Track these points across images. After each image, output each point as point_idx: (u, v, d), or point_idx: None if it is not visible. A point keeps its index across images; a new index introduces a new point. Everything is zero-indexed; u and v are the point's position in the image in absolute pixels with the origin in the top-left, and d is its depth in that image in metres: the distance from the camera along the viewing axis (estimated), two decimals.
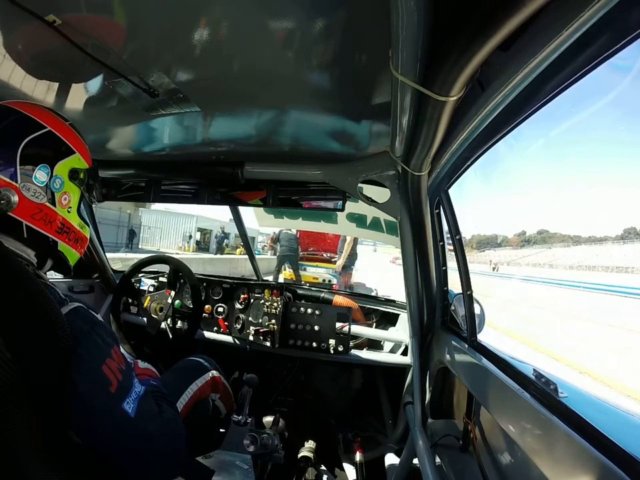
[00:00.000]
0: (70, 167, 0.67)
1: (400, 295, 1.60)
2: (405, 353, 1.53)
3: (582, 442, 0.50)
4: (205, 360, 1.14)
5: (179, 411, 0.75)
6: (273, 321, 1.52)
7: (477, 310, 1.10)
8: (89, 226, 0.78)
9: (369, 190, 1.22)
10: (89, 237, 0.78)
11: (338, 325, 1.50)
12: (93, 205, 1.75)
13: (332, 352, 1.48)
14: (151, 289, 1.76)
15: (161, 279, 1.79)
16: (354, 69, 0.73)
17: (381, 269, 20.44)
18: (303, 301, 1.66)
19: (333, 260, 8.29)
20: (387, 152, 0.98)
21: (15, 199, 0.59)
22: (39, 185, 0.62)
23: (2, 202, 0.58)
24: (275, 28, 0.62)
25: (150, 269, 1.82)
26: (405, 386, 1.48)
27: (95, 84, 0.89)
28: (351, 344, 1.53)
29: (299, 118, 0.99)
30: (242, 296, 1.63)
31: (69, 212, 0.68)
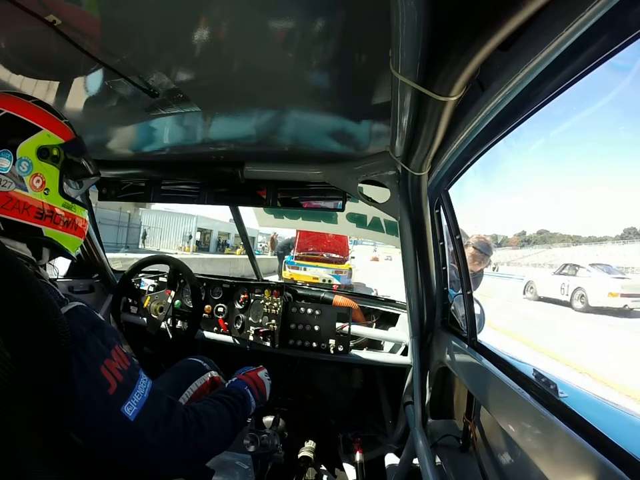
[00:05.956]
0: (37, 146, 0.62)
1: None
2: (405, 353, 1.53)
3: (582, 442, 0.50)
4: (204, 361, 1.13)
5: (196, 420, 0.66)
6: (273, 321, 1.52)
7: (477, 310, 1.10)
8: (84, 207, 0.72)
9: (369, 190, 1.22)
10: (85, 217, 0.73)
11: (338, 325, 1.50)
12: (93, 205, 1.75)
13: (332, 352, 1.48)
14: (151, 289, 1.76)
15: (160, 278, 1.79)
16: (354, 69, 0.73)
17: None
18: (303, 301, 1.66)
19: (333, 260, 8.31)
20: (387, 152, 0.98)
21: None
22: (2, 172, 0.58)
23: None
24: (274, 28, 0.62)
25: (150, 269, 1.82)
26: (405, 386, 1.48)
27: (94, 84, 0.89)
28: (351, 344, 1.53)
29: (299, 118, 0.99)
30: (242, 296, 1.63)
31: (45, 194, 0.63)
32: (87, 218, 0.75)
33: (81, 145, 0.71)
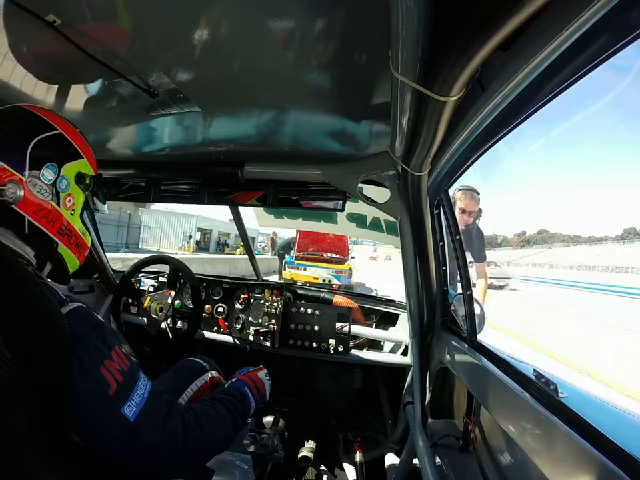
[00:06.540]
0: (77, 171, 0.69)
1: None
2: (405, 353, 1.53)
3: (582, 442, 0.50)
4: (204, 361, 1.13)
5: (196, 420, 0.67)
6: (273, 321, 1.52)
7: (476, 310, 1.10)
8: (90, 234, 0.79)
9: (369, 190, 1.22)
10: (89, 245, 0.79)
11: (338, 325, 1.50)
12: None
13: (332, 352, 1.48)
14: (151, 289, 1.76)
15: (161, 278, 1.79)
16: (354, 69, 0.73)
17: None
18: (302, 301, 1.66)
19: (333, 260, 8.32)
20: (387, 152, 0.98)
21: (21, 193, 0.60)
22: (46, 182, 0.64)
23: (8, 194, 0.59)
24: (275, 28, 0.62)
25: (150, 269, 1.82)
26: (405, 386, 1.48)
27: (94, 84, 0.89)
28: (351, 344, 1.53)
29: (299, 118, 0.99)
30: (242, 296, 1.63)
31: (72, 214, 0.69)
32: (89, 246, 0.80)
33: (102, 181, 0.79)
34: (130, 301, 1.78)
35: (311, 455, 1.50)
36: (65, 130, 0.68)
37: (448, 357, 1.14)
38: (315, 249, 8.46)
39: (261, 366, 1.06)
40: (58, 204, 0.66)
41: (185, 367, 1.10)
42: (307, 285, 2.07)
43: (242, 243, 2.27)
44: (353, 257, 9.91)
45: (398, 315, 1.74)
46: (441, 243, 1.23)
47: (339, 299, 1.74)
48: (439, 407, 1.30)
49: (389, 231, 2.31)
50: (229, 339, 1.66)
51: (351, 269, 8.36)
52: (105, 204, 0.83)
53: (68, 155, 0.68)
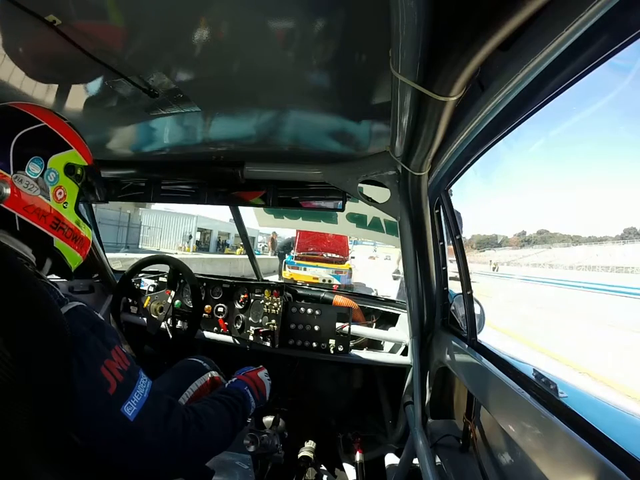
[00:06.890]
0: (65, 162, 0.67)
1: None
2: (405, 353, 1.53)
3: (582, 442, 0.50)
4: (204, 361, 1.13)
5: (196, 420, 0.67)
6: (273, 321, 1.52)
7: (477, 310, 1.10)
8: (90, 227, 0.77)
9: (369, 190, 1.22)
10: (90, 238, 0.77)
11: (338, 325, 1.50)
12: (93, 205, 1.75)
13: (332, 352, 1.48)
14: (151, 289, 1.76)
15: (161, 278, 1.79)
16: (354, 69, 0.73)
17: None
18: (302, 301, 1.66)
19: (333, 260, 8.31)
20: (387, 152, 0.98)
21: (7, 190, 0.59)
22: (32, 177, 0.62)
23: None
24: (275, 28, 0.62)
25: (150, 269, 1.82)
26: (405, 386, 1.48)
27: (94, 84, 0.89)
28: (351, 344, 1.53)
29: (299, 118, 0.99)
30: (242, 296, 1.63)
31: (64, 207, 0.67)
32: (91, 239, 0.79)
33: (99, 170, 0.77)
34: (130, 300, 1.77)
35: (311, 455, 1.50)
36: (49, 122, 0.66)
37: (448, 357, 1.14)
38: (315, 249, 8.46)
39: (261, 366, 1.06)
40: (48, 198, 0.64)
41: (184, 366, 1.10)
42: (307, 285, 2.07)
43: (242, 243, 2.27)
44: (352, 257, 9.91)
45: (398, 314, 1.74)
46: (441, 243, 1.23)
47: (339, 299, 1.74)
48: (439, 406, 1.30)
49: (389, 231, 2.31)
50: (229, 338, 1.66)
51: (350, 268, 8.36)
52: (103, 195, 0.79)
53: (54, 146, 0.66)
